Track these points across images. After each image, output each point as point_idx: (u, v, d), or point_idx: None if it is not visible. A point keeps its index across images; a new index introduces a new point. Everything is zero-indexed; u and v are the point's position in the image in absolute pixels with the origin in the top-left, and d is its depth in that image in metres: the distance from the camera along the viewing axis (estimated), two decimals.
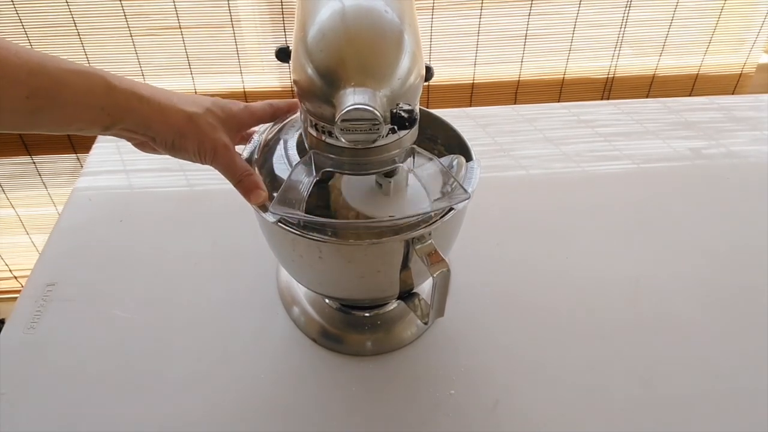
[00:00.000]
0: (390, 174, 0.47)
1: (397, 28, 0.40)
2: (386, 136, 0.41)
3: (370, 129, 0.38)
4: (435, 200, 0.45)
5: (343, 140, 0.40)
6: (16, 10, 0.88)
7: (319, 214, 0.47)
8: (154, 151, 0.45)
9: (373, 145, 0.41)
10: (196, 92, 1.01)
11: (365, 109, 0.37)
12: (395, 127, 0.40)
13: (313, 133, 0.43)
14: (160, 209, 0.72)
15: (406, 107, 0.38)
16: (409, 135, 0.44)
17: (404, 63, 0.39)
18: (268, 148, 0.50)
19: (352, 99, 0.37)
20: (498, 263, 0.65)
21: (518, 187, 0.76)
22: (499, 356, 0.55)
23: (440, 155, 0.52)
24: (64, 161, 1.08)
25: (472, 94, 1.07)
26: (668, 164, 0.80)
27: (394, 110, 0.38)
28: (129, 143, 0.45)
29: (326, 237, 0.43)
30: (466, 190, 0.44)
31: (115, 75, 0.40)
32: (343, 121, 0.38)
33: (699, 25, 1.02)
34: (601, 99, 1.11)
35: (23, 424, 0.50)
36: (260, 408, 0.51)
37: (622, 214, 0.71)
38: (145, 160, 0.79)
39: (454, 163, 0.49)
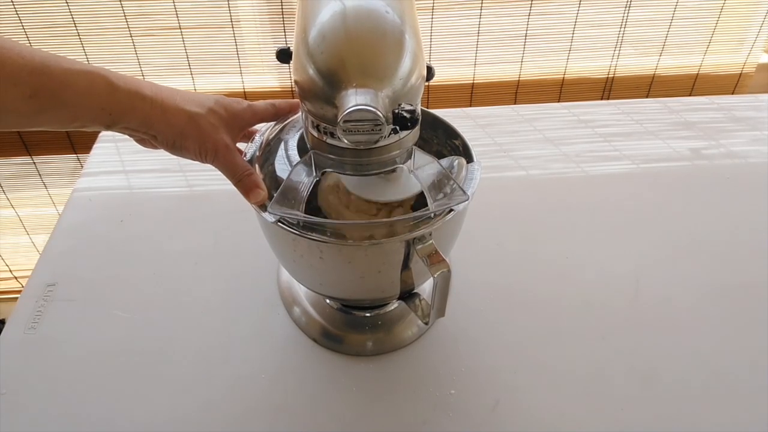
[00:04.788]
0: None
1: (398, 28, 0.40)
2: (388, 136, 0.41)
3: (373, 130, 0.38)
4: (435, 201, 0.45)
5: (345, 141, 0.40)
6: (16, 11, 0.88)
7: (320, 214, 0.47)
8: (155, 147, 0.45)
9: (374, 146, 0.41)
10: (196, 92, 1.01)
11: (367, 109, 0.37)
12: (397, 128, 0.40)
13: (315, 133, 0.43)
14: (160, 209, 0.72)
15: (408, 107, 0.38)
16: (410, 135, 0.44)
17: (406, 63, 0.39)
18: (269, 149, 0.50)
19: (354, 100, 0.37)
20: (498, 263, 0.65)
21: (518, 188, 0.76)
22: (499, 356, 0.56)
23: (441, 156, 0.52)
24: (64, 161, 1.08)
25: (472, 94, 1.07)
26: (668, 164, 0.80)
27: (396, 111, 0.38)
28: (129, 143, 0.46)
29: (327, 237, 0.43)
30: (465, 192, 0.44)
31: (118, 74, 0.40)
32: (345, 122, 0.37)
33: (699, 25, 1.02)
34: (601, 99, 1.11)
35: (23, 424, 0.50)
36: (260, 408, 0.51)
37: (622, 214, 0.71)
38: (145, 161, 0.79)
39: (455, 164, 0.49)
